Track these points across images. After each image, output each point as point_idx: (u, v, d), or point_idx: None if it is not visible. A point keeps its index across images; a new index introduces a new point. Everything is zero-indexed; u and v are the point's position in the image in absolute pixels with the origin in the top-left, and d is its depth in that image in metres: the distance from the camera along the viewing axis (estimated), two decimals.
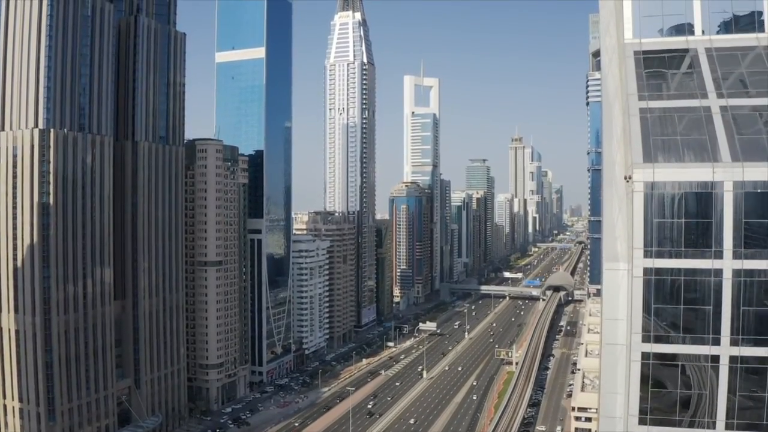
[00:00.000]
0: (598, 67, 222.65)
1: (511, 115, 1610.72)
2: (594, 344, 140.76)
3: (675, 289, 24.91)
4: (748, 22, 30.28)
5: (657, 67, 29.21)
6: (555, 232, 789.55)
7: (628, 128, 25.66)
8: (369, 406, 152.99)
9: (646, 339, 24.97)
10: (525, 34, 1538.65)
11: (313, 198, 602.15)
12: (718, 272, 24.81)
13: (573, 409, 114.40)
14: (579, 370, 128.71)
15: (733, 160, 23.98)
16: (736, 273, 24.65)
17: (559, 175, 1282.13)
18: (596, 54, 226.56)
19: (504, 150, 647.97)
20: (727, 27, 32.15)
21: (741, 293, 23.62)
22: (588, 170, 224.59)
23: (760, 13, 30.38)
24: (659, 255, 24.26)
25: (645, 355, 25.42)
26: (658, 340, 24.78)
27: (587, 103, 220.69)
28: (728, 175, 24.31)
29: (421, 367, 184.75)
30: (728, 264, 24.61)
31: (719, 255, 24.17)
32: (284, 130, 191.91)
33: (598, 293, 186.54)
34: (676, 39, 30.17)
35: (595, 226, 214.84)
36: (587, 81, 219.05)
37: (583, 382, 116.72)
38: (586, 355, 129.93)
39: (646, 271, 25.29)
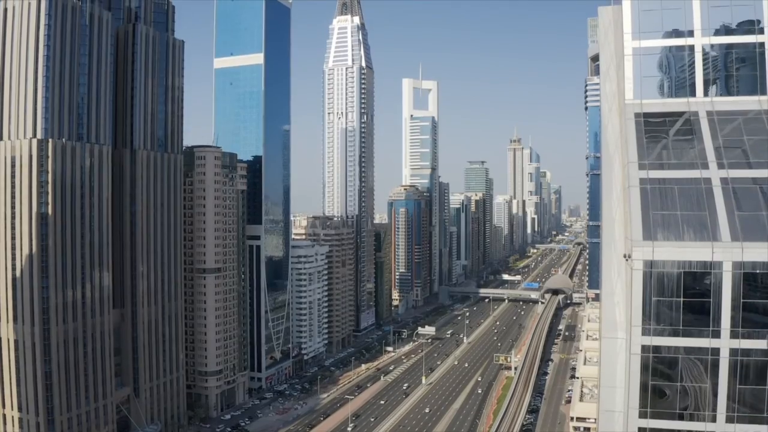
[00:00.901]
0: (596, 71, 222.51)
1: (509, 115, 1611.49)
2: (593, 351, 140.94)
3: (673, 367, 24.99)
4: (750, 76, 30.14)
5: (658, 132, 29.14)
6: (554, 232, 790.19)
7: (628, 200, 25.67)
8: (358, 419, 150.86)
9: (642, 415, 25.00)
10: (523, 34, 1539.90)
11: (313, 198, 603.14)
12: (716, 351, 24.88)
13: (572, 419, 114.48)
14: (578, 378, 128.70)
15: (733, 239, 24.02)
16: (733, 352, 24.74)
17: (558, 174, 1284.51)
18: (595, 58, 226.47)
19: (503, 151, 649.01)
20: (727, 86, 32.20)
21: (738, 372, 23.73)
22: (587, 175, 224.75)
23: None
24: (657, 333, 24.35)
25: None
26: (655, 416, 24.82)
27: (586, 108, 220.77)
28: (727, 255, 24.35)
29: (419, 373, 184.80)
30: (725, 343, 24.69)
31: (717, 334, 24.23)
32: (283, 133, 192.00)
33: (597, 298, 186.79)
34: (677, 101, 30.07)
35: (594, 231, 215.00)
36: (586, 85, 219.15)
37: (582, 391, 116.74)
38: (585, 363, 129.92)
39: (644, 348, 25.41)
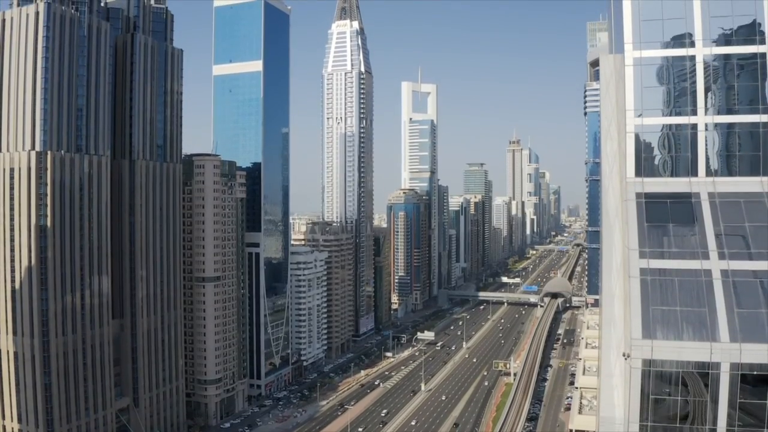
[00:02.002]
0: (595, 77, 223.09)
1: (508, 115, 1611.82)
2: (592, 360, 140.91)
3: None
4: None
5: (659, 215, 28.98)
6: (553, 233, 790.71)
7: (628, 292, 25.71)
8: (360, 430, 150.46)
9: None
10: (522, 34, 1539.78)
11: (311, 197, 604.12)
12: None
13: (570, 431, 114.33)
14: (577, 389, 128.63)
15: (732, 340, 24.09)
16: None
17: (557, 174, 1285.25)
18: (594, 63, 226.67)
19: (502, 152, 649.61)
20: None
21: None
22: (586, 180, 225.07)
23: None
24: (653, 430, 24.42)
25: None
26: None
27: (585, 113, 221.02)
28: (726, 356, 24.42)
29: (418, 379, 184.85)
30: None
31: None
32: (282, 137, 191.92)
33: (596, 303, 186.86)
34: (678, 180, 30.03)
35: (593, 236, 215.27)
36: (585, 91, 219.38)
37: (581, 402, 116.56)
38: (584, 373, 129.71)
39: None
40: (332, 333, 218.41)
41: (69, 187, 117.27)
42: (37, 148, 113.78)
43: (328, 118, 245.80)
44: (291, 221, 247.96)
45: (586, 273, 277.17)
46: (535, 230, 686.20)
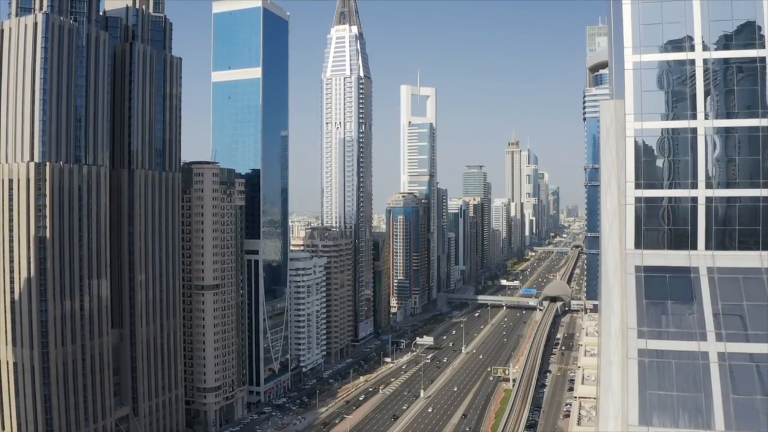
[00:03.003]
0: (594, 82, 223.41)
1: (507, 115, 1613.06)
2: (591, 369, 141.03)
3: None
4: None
5: (658, 295, 29.02)
6: (552, 234, 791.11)
7: (626, 374, 25.79)
8: None
9: None
10: (521, 34, 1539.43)
11: (310, 197, 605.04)
12: None
13: None
14: (576, 398, 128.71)
15: (726, 428, 24.16)
16: None
17: (556, 174, 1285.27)
18: (593, 69, 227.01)
19: (501, 154, 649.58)
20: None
21: None
22: (585, 186, 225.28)
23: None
24: None
25: None
26: None
27: (584, 119, 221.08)
28: None
29: (417, 385, 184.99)
30: None
31: None
32: (281, 142, 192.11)
33: (595, 309, 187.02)
34: (677, 252, 30.06)
35: (592, 242, 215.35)
36: (584, 96, 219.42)
37: (580, 413, 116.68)
38: (582, 382, 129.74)
39: None
40: (331, 338, 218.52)
41: (68, 198, 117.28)
42: (36, 159, 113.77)
43: (327, 123, 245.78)
44: (290, 223, 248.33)
45: (585, 276, 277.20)
46: (534, 231, 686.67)
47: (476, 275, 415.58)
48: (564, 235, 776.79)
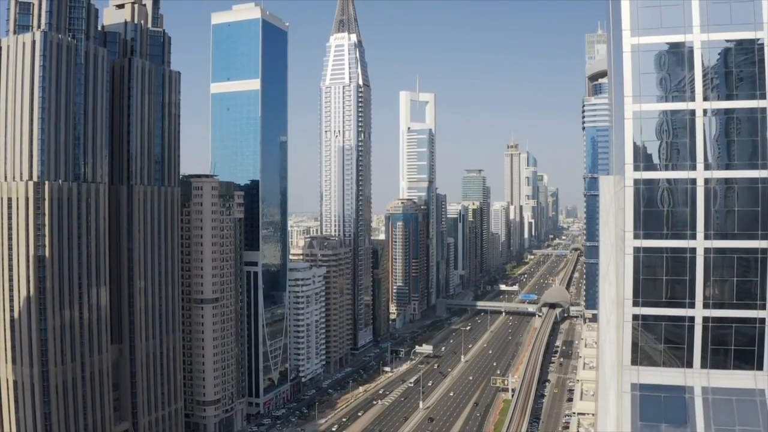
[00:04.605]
0: (594, 91, 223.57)
1: (506, 116, 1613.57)
2: (589, 383, 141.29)
3: None
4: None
5: (653, 417, 29.07)
6: (551, 236, 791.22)
7: None
8: None
9: None
10: (521, 34, 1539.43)
11: (310, 198, 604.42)
12: None
13: None
14: (574, 414, 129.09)
15: None
16: None
17: (555, 174, 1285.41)
18: (592, 78, 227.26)
19: (500, 157, 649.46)
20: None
21: None
22: (584, 195, 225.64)
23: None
24: None
25: None
26: None
27: (583, 128, 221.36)
28: None
29: (417, 395, 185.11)
30: None
31: None
32: (280, 151, 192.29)
33: (594, 318, 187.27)
34: (674, 371, 30.03)
35: (591, 251, 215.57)
36: (583, 105, 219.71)
37: (578, 430, 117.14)
38: (581, 398, 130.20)
39: None
40: (330, 347, 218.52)
41: (67, 216, 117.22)
42: (35, 178, 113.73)
43: (326, 131, 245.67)
44: (289, 229, 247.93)
45: (584, 280, 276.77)
46: (533, 233, 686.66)
47: (475, 279, 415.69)
48: (563, 237, 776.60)
